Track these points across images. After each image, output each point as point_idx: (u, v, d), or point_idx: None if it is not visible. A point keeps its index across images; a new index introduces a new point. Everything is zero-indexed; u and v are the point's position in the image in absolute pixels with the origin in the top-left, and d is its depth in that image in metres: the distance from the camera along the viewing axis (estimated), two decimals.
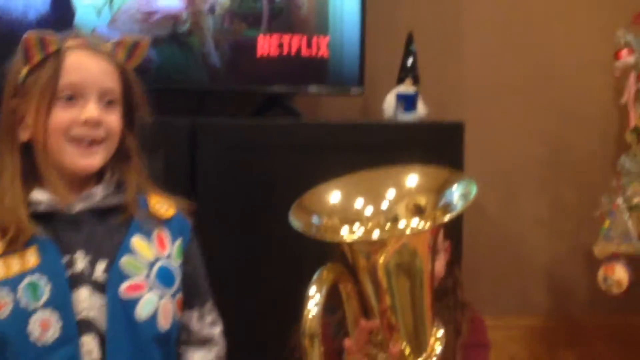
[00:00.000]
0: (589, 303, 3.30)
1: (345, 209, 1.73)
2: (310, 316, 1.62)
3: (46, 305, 1.66)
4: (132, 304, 1.71)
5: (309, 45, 2.89)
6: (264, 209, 2.60)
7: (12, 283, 1.66)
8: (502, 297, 3.21)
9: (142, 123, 1.82)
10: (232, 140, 2.68)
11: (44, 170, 1.73)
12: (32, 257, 1.68)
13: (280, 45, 2.87)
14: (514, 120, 3.28)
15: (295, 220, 1.71)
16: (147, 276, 1.74)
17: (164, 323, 1.75)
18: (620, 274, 2.72)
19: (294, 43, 2.88)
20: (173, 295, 1.77)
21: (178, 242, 1.81)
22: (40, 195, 1.71)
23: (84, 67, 1.73)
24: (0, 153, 1.74)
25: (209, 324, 1.87)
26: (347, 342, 1.72)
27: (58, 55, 1.72)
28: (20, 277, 1.66)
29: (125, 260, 1.72)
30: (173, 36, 2.80)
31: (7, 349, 1.66)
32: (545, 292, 3.33)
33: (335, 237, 1.73)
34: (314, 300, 1.63)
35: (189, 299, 1.82)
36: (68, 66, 1.71)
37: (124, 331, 1.70)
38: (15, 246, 1.67)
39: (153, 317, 1.73)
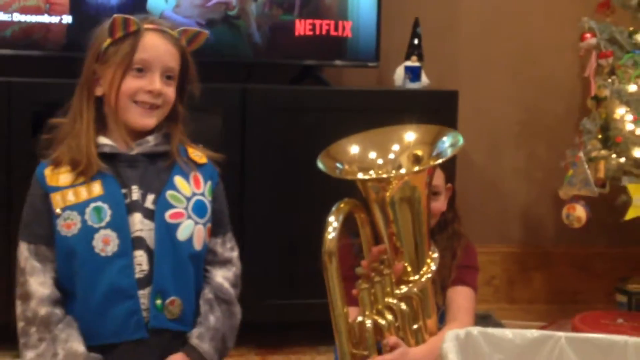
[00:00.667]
0: (555, 235, 3.30)
1: (361, 158, 1.75)
2: (329, 238, 1.65)
3: (107, 225, 1.69)
4: (175, 227, 1.74)
5: (336, 28, 2.89)
6: (298, 159, 2.63)
7: (80, 207, 1.70)
8: (486, 229, 3.21)
9: (191, 94, 1.83)
10: (274, 103, 2.69)
11: (110, 122, 1.77)
12: (97, 188, 1.71)
13: (313, 28, 2.88)
14: (499, 90, 3.27)
15: (323, 165, 1.73)
16: (186, 207, 1.76)
17: (198, 244, 1.77)
18: (579, 212, 2.72)
19: (324, 26, 2.88)
20: (204, 224, 1.79)
21: (209, 184, 1.83)
22: (104, 141, 1.75)
23: (154, 47, 1.75)
24: (79, 103, 1.76)
25: (229, 249, 1.87)
26: (363, 263, 1.74)
27: (136, 34, 1.74)
28: (87, 202, 1.70)
29: (169, 193, 1.75)
30: (225, 19, 2.82)
31: (75, 259, 1.70)
32: (520, 225, 3.33)
33: (353, 177, 1.75)
34: (332, 226, 1.66)
35: (215, 229, 1.84)
36: (143, 45, 1.74)
37: (168, 248, 1.73)
38: (84, 178, 1.70)
39: (190, 239, 1.75)
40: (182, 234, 1.74)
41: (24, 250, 1.73)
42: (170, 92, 1.76)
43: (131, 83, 1.72)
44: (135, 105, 1.73)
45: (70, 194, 1.70)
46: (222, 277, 1.83)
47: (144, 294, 1.71)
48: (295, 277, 2.67)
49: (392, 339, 1.68)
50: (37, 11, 2.68)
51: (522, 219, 3.33)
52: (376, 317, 1.68)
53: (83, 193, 1.71)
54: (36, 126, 2.53)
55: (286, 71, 3.01)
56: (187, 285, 1.77)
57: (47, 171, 1.73)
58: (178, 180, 1.77)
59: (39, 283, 1.70)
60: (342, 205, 1.69)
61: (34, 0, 2.67)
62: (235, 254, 1.88)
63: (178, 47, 1.78)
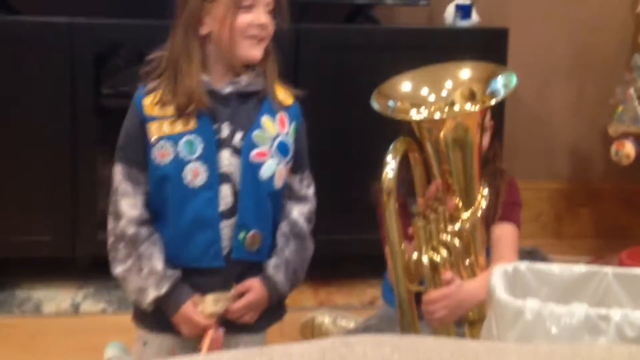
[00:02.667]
0: (603, 171, 3.28)
1: (414, 95, 1.76)
2: (387, 177, 1.67)
3: (198, 158, 1.76)
4: (258, 166, 1.80)
5: None
6: (351, 96, 2.62)
7: (174, 138, 1.76)
8: (534, 165, 3.20)
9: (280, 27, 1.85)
10: (327, 42, 2.70)
11: (210, 60, 1.81)
12: (191, 122, 1.77)
13: None
14: (549, 27, 3.21)
15: (376, 103, 1.74)
16: (270, 147, 1.81)
17: (278, 182, 1.83)
18: (628, 148, 2.70)
19: None
20: (286, 163, 1.85)
21: (293, 124, 1.87)
22: (204, 78, 1.78)
23: None
24: (183, 41, 1.78)
25: (305, 186, 1.93)
26: (420, 200, 1.77)
27: None
28: (181, 135, 1.77)
29: (256, 133, 1.80)
30: None
31: (165, 187, 1.78)
32: (568, 162, 3.31)
33: (406, 117, 1.76)
34: (390, 165, 1.68)
35: (294, 167, 1.89)
36: None
37: (251, 186, 1.79)
38: (184, 112, 1.76)
39: (271, 177, 1.82)
40: (264, 173, 1.80)
41: (117, 171, 1.81)
42: (272, 24, 1.80)
43: (243, 18, 1.76)
44: (247, 39, 1.77)
45: (165, 124, 1.77)
46: (298, 212, 1.89)
47: (226, 225, 1.79)
48: (349, 212, 2.70)
49: (447, 274, 1.72)
50: None
51: (570, 156, 3.31)
52: (432, 253, 1.72)
53: (178, 125, 1.77)
54: (98, 67, 2.60)
55: (339, 11, 3.00)
56: (267, 220, 1.84)
57: (146, 100, 1.79)
58: (265, 120, 1.82)
59: (129, 204, 1.79)
60: (398, 144, 1.71)
61: None
62: (311, 191, 1.94)
63: None
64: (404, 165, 1.77)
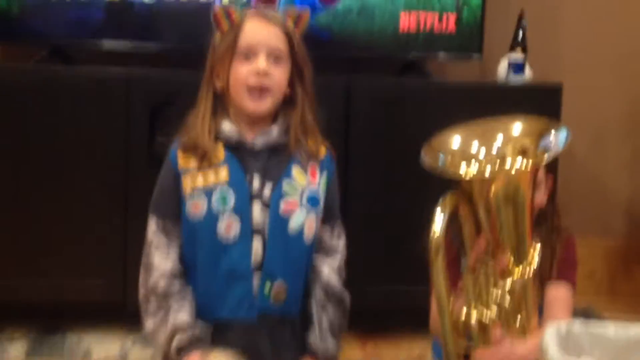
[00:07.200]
0: None
1: (464, 150, 1.72)
2: (436, 232, 1.62)
3: (231, 211, 1.72)
4: (287, 216, 1.75)
5: (440, 20, 2.86)
6: (402, 151, 2.60)
7: (208, 191, 1.73)
8: (588, 222, 3.12)
9: (311, 78, 1.82)
10: (378, 95, 2.69)
11: (231, 113, 1.79)
12: (224, 173, 1.74)
13: (417, 21, 2.85)
14: (603, 82, 3.17)
15: (426, 158, 1.71)
16: (300, 197, 1.77)
17: (308, 234, 1.78)
18: None
19: (428, 19, 2.86)
20: (316, 214, 1.80)
21: (325, 175, 1.83)
22: (227, 126, 1.77)
23: (257, 31, 1.76)
24: (200, 96, 1.79)
25: (336, 237, 1.87)
26: (469, 255, 1.69)
27: (240, 23, 1.76)
28: (215, 186, 1.73)
29: (285, 183, 1.76)
30: None
31: (199, 239, 1.74)
32: (623, 219, 3.24)
33: (456, 173, 1.72)
34: (438, 221, 1.63)
35: (325, 218, 1.84)
36: (245, 31, 1.75)
37: (280, 236, 1.75)
38: (209, 163, 1.74)
39: (301, 229, 1.77)
40: (294, 223, 1.76)
41: (152, 224, 1.79)
42: (278, 72, 1.76)
43: (240, 69, 1.74)
44: (247, 91, 1.74)
45: (199, 176, 1.74)
46: (329, 268, 1.83)
47: (257, 278, 1.74)
48: (396, 264, 2.66)
49: (497, 332, 1.66)
50: None
51: (625, 213, 3.23)
52: (481, 310, 1.67)
53: (211, 177, 1.74)
54: (154, 117, 2.62)
55: (391, 64, 2.99)
56: (296, 272, 1.79)
57: (179, 153, 1.77)
58: (295, 170, 1.78)
59: (162, 257, 1.75)
60: (447, 199, 1.66)
61: None
62: (341, 242, 1.88)
63: (283, 28, 1.77)
64: (457, 219, 1.72)
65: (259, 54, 1.74)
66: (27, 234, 2.58)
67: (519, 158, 1.67)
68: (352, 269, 1.93)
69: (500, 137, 1.70)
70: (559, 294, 1.89)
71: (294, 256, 1.77)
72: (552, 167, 2.23)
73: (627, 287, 3.21)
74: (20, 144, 2.57)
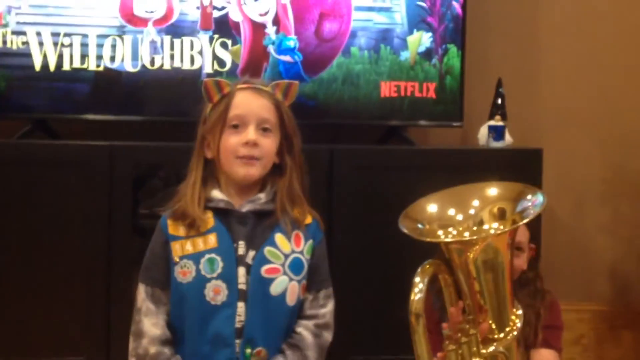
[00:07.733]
0: None
1: (441, 217, 1.72)
2: (415, 299, 1.62)
3: (219, 276, 1.74)
4: (269, 282, 1.76)
5: (420, 90, 2.90)
6: (385, 216, 2.58)
7: (196, 257, 1.76)
8: (573, 286, 3.11)
9: (300, 147, 1.86)
10: (360, 162, 2.70)
11: (222, 182, 1.83)
12: (212, 240, 1.77)
13: (398, 89, 2.88)
14: (582, 147, 3.20)
15: (403, 226, 1.71)
16: (283, 264, 1.78)
17: (290, 300, 1.79)
18: None
19: (408, 88, 2.89)
20: (299, 281, 1.80)
21: (309, 243, 1.84)
22: (217, 194, 1.80)
23: (246, 102, 1.80)
24: (191, 165, 1.83)
25: (318, 305, 1.85)
26: (445, 325, 1.70)
27: (230, 94, 1.80)
28: (203, 253, 1.76)
29: (268, 250, 1.78)
30: None
31: (187, 304, 1.76)
32: (608, 284, 3.22)
33: (435, 238, 1.72)
34: (418, 287, 1.63)
35: (308, 285, 1.84)
36: (236, 102, 1.80)
37: (261, 301, 1.76)
38: (197, 231, 1.77)
39: (283, 294, 1.77)
40: (275, 289, 1.77)
41: (141, 291, 1.80)
42: (267, 143, 1.80)
43: (230, 140, 1.78)
44: (236, 160, 1.78)
45: (188, 243, 1.77)
46: (303, 326, 1.82)
47: (238, 343, 1.74)
48: (381, 332, 2.63)
49: None
50: None
51: (609, 277, 3.21)
52: None
53: (200, 244, 1.77)
54: (137, 188, 2.62)
55: (372, 131, 3.02)
56: (277, 337, 1.79)
57: (170, 221, 1.80)
58: (279, 237, 1.80)
59: (152, 323, 1.77)
60: (427, 266, 1.66)
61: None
62: (324, 310, 1.85)
63: (272, 100, 1.82)
64: (438, 283, 1.72)
65: (248, 125, 1.78)
66: (8, 311, 2.55)
67: (495, 223, 1.68)
68: (335, 337, 1.91)
69: (476, 203, 1.71)
70: None
71: (275, 321, 1.78)
72: (535, 230, 2.23)
73: (615, 353, 3.18)
74: (2, 217, 2.55)
